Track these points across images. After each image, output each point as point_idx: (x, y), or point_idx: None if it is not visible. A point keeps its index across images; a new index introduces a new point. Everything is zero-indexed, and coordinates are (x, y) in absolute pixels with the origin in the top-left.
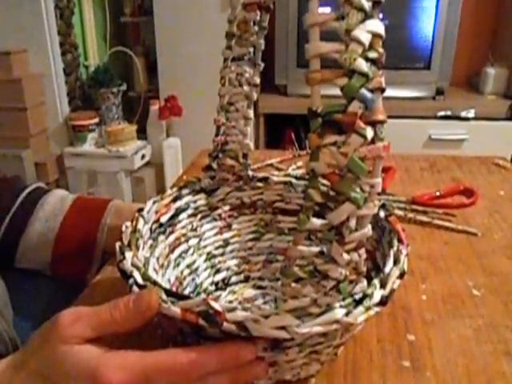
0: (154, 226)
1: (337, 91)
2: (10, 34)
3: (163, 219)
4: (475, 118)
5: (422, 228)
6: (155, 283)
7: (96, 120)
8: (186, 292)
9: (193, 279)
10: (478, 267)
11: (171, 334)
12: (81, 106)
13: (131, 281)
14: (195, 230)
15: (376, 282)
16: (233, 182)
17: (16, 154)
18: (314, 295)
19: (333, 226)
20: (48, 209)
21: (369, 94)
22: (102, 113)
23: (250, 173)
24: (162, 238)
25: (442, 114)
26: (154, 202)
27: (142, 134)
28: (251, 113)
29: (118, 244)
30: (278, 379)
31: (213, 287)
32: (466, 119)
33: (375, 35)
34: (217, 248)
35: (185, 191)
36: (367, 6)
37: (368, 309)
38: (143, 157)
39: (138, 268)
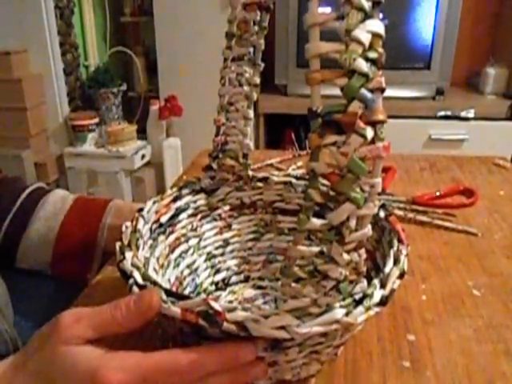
0: (154, 226)
1: (336, 91)
2: (10, 33)
3: (163, 219)
4: (475, 118)
5: (421, 228)
6: (155, 283)
7: (96, 120)
8: (186, 292)
9: (193, 279)
10: (478, 267)
11: (171, 334)
12: (81, 106)
13: (131, 281)
14: (195, 229)
15: (376, 282)
16: (233, 182)
17: (16, 154)
18: (314, 295)
19: (333, 226)
20: (48, 209)
21: (369, 94)
22: (102, 113)
23: (250, 173)
24: (162, 238)
25: (441, 114)
26: (154, 202)
27: (142, 133)
28: (251, 113)
29: (118, 244)
30: (278, 379)
31: (213, 287)
32: (466, 119)
33: (375, 35)
34: (217, 248)
35: (185, 191)
36: (367, 5)
37: (368, 309)
38: (143, 157)
39: (138, 268)
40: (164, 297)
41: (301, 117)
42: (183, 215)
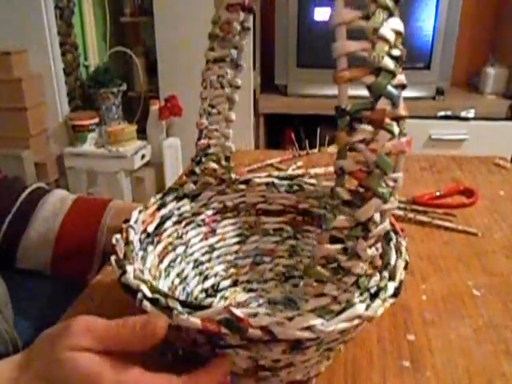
0: (143, 237)
1: (334, 92)
2: (10, 34)
3: (150, 229)
4: (475, 118)
5: (421, 228)
6: (166, 295)
7: (96, 120)
8: None
9: (184, 288)
10: (478, 267)
11: (173, 346)
12: (81, 105)
13: (140, 295)
14: (181, 237)
15: (386, 274)
16: (215, 186)
17: (16, 154)
18: (335, 293)
19: (360, 222)
20: (48, 209)
21: (395, 91)
22: (102, 113)
23: (233, 175)
24: (150, 248)
25: (442, 113)
26: (140, 212)
27: (142, 133)
28: (233, 115)
29: (113, 258)
30: (290, 380)
31: (203, 294)
32: (466, 119)
33: (397, 33)
34: (203, 254)
35: (168, 198)
36: (391, 4)
37: (384, 301)
38: (143, 157)
39: (143, 281)
40: (180, 308)
41: (301, 117)
42: (168, 223)
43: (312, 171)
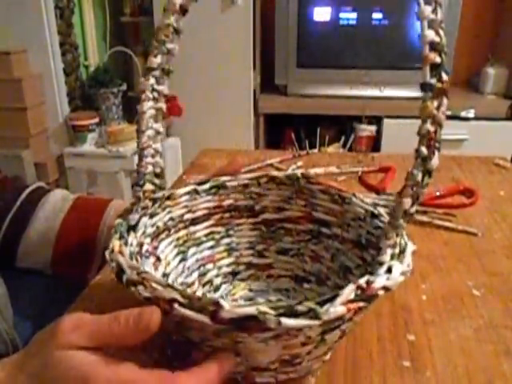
0: None
1: (334, 92)
2: (10, 33)
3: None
4: (475, 118)
5: (421, 228)
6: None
7: (96, 120)
8: None
9: None
10: (478, 267)
11: (175, 340)
12: (81, 105)
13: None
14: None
15: (397, 250)
16: (150, 209)
17: (16, 154)
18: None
19: (430, 170)
20: (48, 208)
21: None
22: (102, 113)
23: (166, 193)
24: None
25: None
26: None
27: None
28: (160, 127)
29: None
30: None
31: None
32: (466, 119)
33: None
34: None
35: (115, 236)
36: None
37: (403, 274)
38: None
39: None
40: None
41: (301, 117)
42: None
43: (312, 171)
